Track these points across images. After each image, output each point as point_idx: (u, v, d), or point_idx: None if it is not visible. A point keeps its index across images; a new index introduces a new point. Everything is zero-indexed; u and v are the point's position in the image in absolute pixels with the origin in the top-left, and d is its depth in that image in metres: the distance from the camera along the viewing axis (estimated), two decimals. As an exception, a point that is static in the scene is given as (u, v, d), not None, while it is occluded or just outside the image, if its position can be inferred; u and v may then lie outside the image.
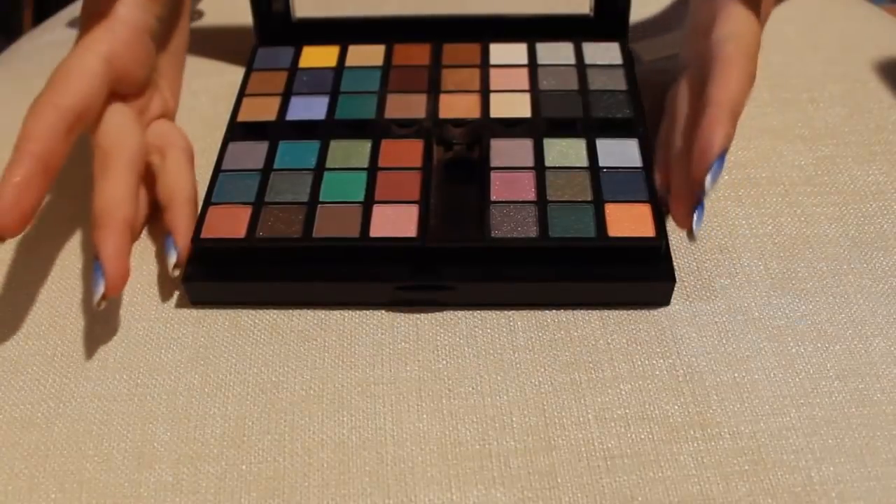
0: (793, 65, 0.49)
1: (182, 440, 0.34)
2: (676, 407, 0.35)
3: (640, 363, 0.36)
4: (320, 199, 0.39)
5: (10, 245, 0.42)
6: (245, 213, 0.38)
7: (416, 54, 0.46)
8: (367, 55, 0.47)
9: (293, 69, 0.46)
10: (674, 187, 0.38)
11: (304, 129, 0.43)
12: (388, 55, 0.47)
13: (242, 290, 0.38)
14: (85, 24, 0.40)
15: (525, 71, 0.45)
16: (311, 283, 0.37)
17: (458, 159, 0.41)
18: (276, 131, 0.42)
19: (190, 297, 0.38)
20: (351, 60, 0.47)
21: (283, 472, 0.33)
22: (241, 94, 0.45)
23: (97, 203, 0.37)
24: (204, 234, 0.38)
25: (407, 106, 0.43)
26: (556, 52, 0.46)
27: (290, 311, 0.38)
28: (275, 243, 0.37)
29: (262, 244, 0.37)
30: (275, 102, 0.44)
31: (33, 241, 0.42)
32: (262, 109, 0.44)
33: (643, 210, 0.38)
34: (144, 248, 0.41)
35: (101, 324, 0.38)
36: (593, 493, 0.32)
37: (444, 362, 0.36)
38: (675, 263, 0.38)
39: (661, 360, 0.36)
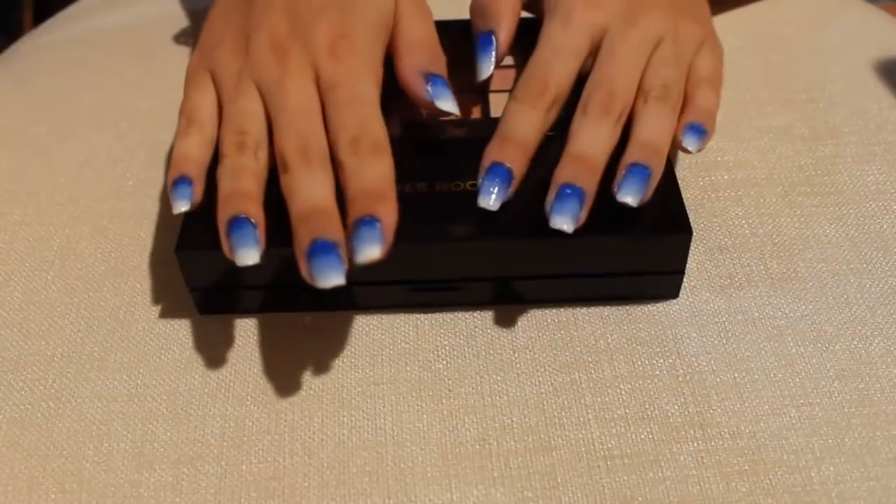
0: (793, 65, 0.50)
1: (182, 440, 0.34)
2: (676, 407, 0.35)
3: (640, 363, 0.36)
4: None
5: (11, 245, 0.42)
6: None
7: None
8: None
9: None
10: None
11: None
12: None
13: (251, 299, 0.38)
14: None
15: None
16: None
17: None
18: None
19: (198, 307, 0.38)
20: None
21: (283, 472, 0.33)
22: None
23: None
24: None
25: (406, 108, 0.43)
26: None
27: (290, 310, 0.38)
28: None
29: None
30: None
31: (34, 242, 0.42)
32: None
33: None
34: (144, 248, 0.41)
35: (101, 324, 0.38)
36: (593, 493, 0.32)
37: (444, 362, 0.36)
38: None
39: (661, 360, 0.36)
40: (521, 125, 0.37)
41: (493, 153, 0.36)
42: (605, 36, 0.39)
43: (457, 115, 0.39)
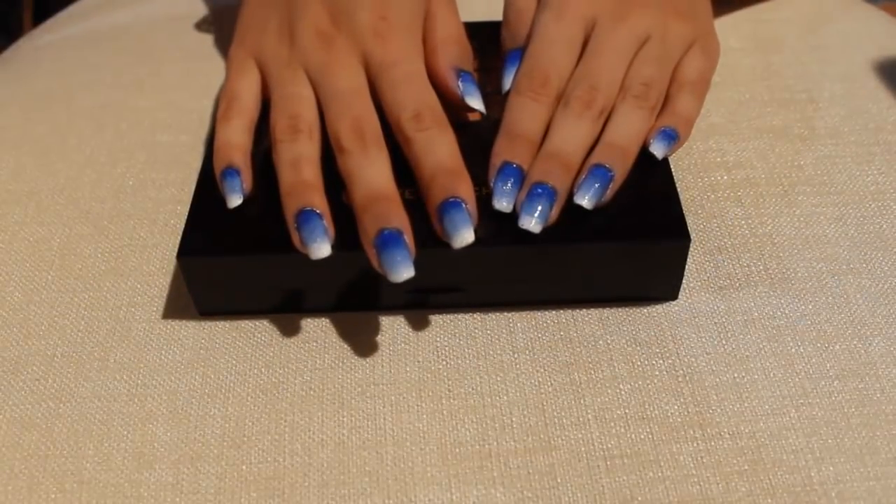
0: (792, 65, 0.50)
1: (182, 440, 0.34)
2: (676, 407, 0.35)
3: (639, 363, 0.36)
4: None
5: (11, 245, 0.42)
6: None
7: None
8: None
9: None
10: None
11: None
12: None
13: (251, 300, 0.38)
14: None
15: None
16: (323, 289, 0.37)
17: None
18: None
19: (198, 308, 0.38)
20: None
21: (283, 472, 0.33)
22: None
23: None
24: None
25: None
26: None
27: (290, 312, 0.38)
28: None
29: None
30: None
31: (34, 242, 0.42)
32: None
33: None
34: (144, 248, 0.41)
35: (101, 324, 0.38)
36: (593, 493, 0.32)
37: (444, 362, 0.36)
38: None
39: (661, 360, 0.36)
40: (526, 119, 0.37)
41: (502, 152, 0.36)
42: (594, 30, 0.39)
43: (483, 113, 0.39)
